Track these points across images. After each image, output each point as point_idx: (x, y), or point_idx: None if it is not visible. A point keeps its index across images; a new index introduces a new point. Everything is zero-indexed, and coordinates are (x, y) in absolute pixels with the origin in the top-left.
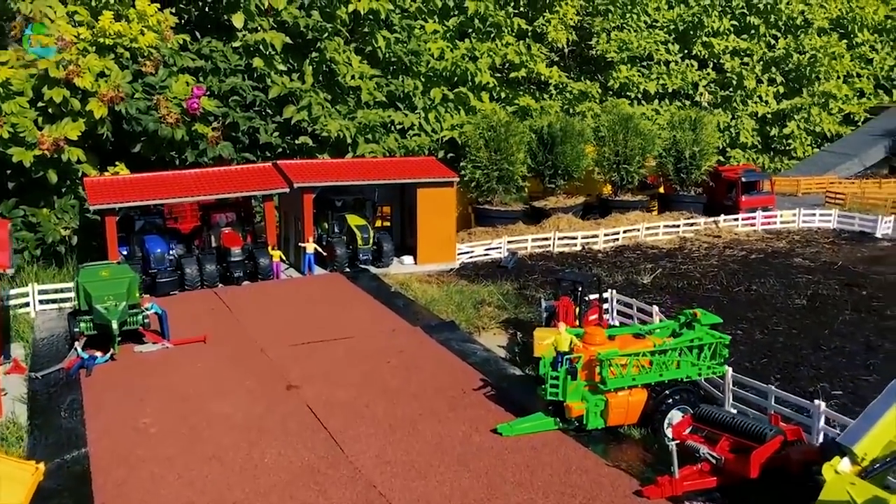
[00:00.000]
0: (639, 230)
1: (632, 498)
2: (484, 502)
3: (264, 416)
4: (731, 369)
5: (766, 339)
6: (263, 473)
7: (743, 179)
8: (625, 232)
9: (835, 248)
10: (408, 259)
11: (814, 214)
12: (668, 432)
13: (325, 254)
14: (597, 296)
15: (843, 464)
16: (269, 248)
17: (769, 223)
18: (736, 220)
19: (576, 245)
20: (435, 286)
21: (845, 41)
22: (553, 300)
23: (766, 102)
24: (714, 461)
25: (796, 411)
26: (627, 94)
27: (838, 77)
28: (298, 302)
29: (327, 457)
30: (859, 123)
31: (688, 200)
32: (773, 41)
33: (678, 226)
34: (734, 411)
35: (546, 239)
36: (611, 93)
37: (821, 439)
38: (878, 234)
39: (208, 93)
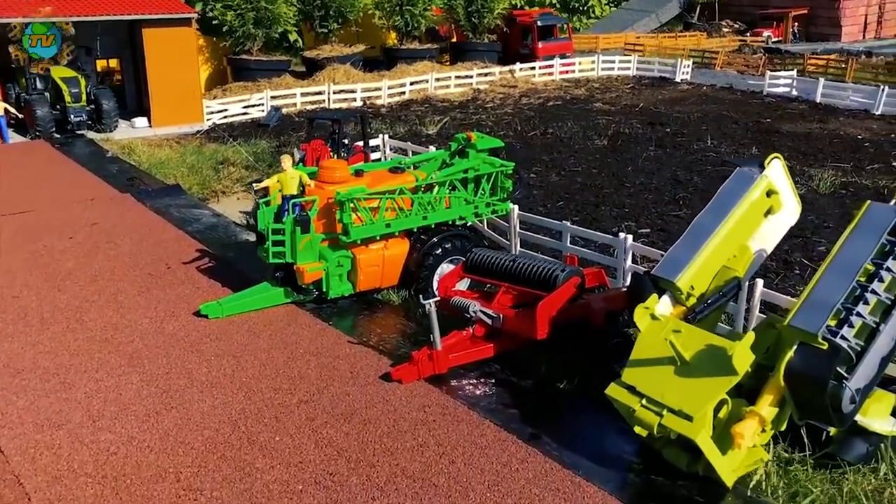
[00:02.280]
0: (427, 82)
1: (377, 384)
2: (146, 419)
3: None
4: (516, 207)
5: (563, 181)
6: None
7: (539, 24)
8: (412, 84)
9: (635, 93)
10: (141, 121)
11: (613, 62)
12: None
13: (21, 116)
14: (362, 143)
15: (662, 304)
16: None
17: (568, 71)
18: (533, 68)
19: (355, 100)
20: (168, 149)
21: None
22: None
23: None
24: (489, 321)
25: (599, 252)
26: None
27: None
28: None
29: None
30: None
31: (481, 49)
32: None
33: (471, 76)
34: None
35: (319, 93)
36: None
37: (628, 282)
38: (678, 79)
39: None
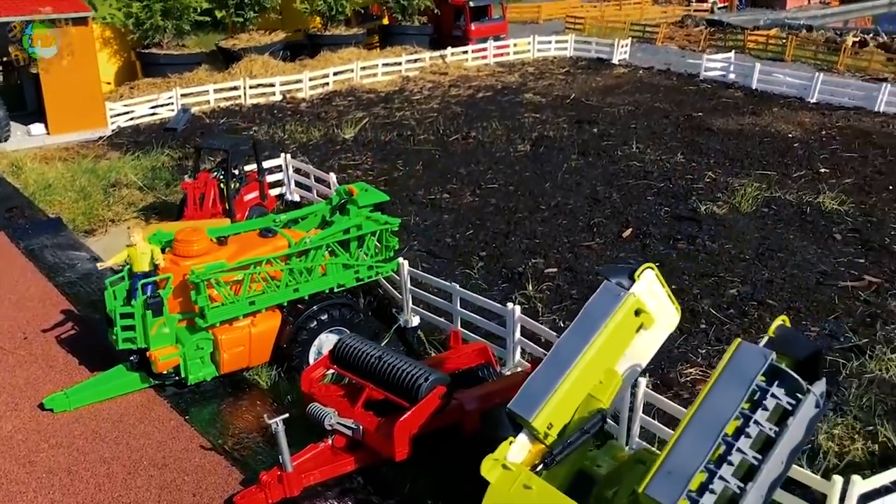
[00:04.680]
0: (353, 71)
1: None
2: None
3: None
4: (406, 263)
5: (477, 203)
6: None
7: (471, 4)
8: (335, 74)
9: (569, 79)
10: (38, 128)
11: (550, 42)
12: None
13: None
14: (255, 168)
15: (519, 444)
16: None
17: (502, 55)
18: (465, 52)
19: (274, 94)
20: (62, 165)
21: None
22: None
23: None
24: (349, 432)
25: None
26: None
27: None
28: None
29: None
30: None
31: (411, 32)
32: None
33: (400, 63)
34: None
35: (234, 88)
36: None
37: (517, 357)
38: (615, 60)
39: None
